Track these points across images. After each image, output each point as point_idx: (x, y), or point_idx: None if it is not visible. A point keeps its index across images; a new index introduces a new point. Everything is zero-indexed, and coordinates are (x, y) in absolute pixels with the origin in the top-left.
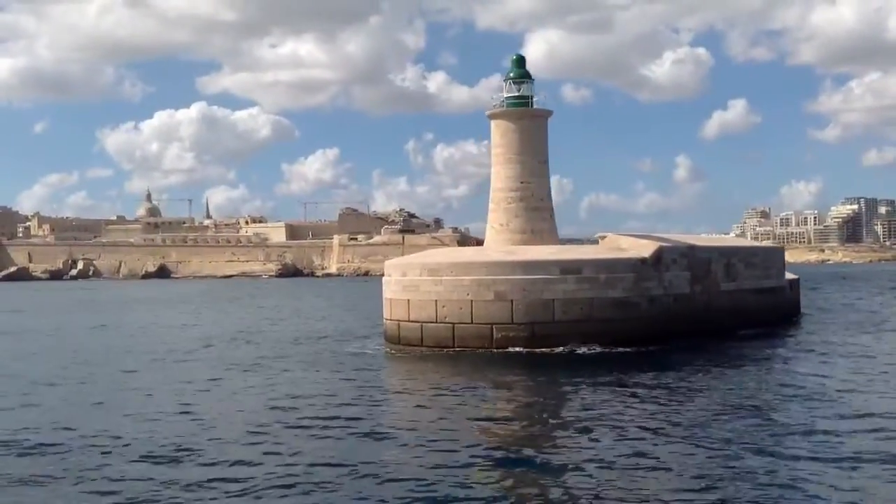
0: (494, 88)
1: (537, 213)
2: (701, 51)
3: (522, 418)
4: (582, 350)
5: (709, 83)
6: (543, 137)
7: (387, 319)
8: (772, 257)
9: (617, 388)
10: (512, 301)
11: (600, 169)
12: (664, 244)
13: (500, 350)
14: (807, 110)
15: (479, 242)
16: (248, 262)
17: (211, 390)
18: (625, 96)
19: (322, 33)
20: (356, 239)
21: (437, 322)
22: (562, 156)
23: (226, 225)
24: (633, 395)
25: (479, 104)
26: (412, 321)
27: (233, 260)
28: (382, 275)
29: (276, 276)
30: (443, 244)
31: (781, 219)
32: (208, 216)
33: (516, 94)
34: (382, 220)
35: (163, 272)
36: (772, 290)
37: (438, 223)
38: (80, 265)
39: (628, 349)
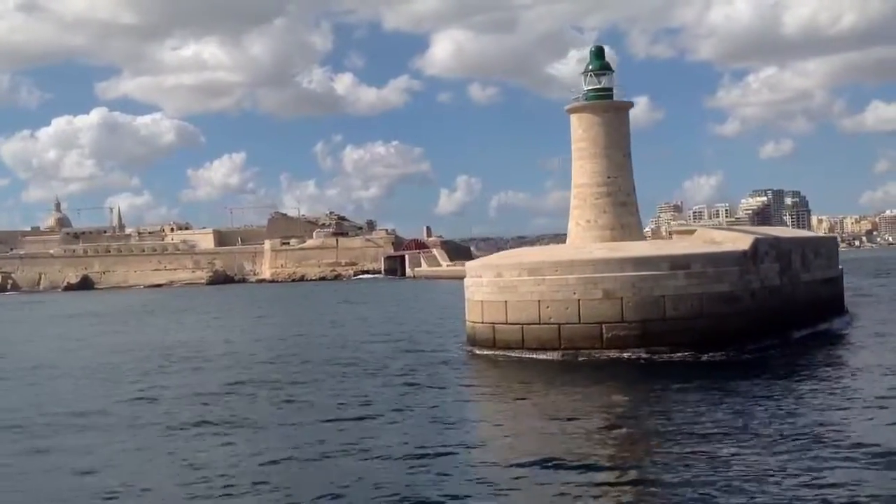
0: (399, 89)
1: (625, 209)
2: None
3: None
4: (706, 356)
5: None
6: (627, 130)
7: (475, 322)
8: (831, 247)
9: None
10: (622, 299)
11: (509, 168)
12: (759, 236)
13: (612, 350)
14: (707, 105)
15: (420, 244)
16: (175, 270)
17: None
18: (531, 95)
19: (226, 36)
20: (288, 243)
21: (540, 323)
22: (470, 155)
23: (150, 233)
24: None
25: (387, 105)
26: (510, 323)
27: (159, 268)
28: (320, 279)
29: (208, 284)
30: (377, 246)
31: (694, 212)
32: (120, 225)
33: (597, 86)
34: (313, 224)
35: (86, 283)
36: (833, 280)
37: (371, 225)
38: None
39: (750, 355)
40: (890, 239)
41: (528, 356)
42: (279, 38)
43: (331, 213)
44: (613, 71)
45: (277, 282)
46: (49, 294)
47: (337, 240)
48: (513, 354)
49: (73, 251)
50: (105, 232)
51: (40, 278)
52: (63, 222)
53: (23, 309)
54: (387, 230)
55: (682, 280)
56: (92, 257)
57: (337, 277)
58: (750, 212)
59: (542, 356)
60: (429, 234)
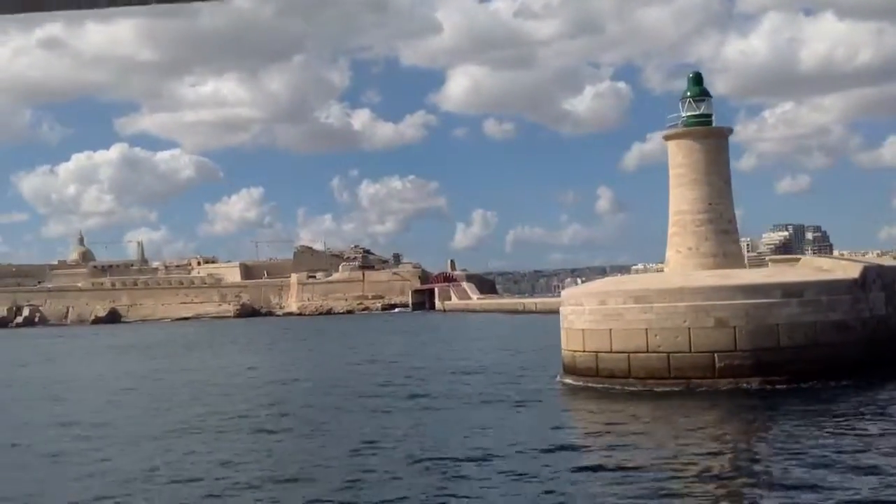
0: (416, 124)
1: (727, 236)
2: (621, 84)
3: None
4: (829, 384)
5: (628, 116)
6: (727, 157)
7: (574, 351)
8: None
9: None
10: (735, 327)
11: (524, 202)
12: (866, 264)
13: (725, 380)
14: None
15: (448, 277)
16: (202, 303)
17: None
18: (547, 130)
19: (244, 72)
20: (314, 277)
21: (647, 352)
22: (486, 189)
23: (176, 266)
24: None
25: (403, 140)
26: (615, 352)
27: (186, 302)
28: (347, 312)
29: (235, 317)
30: (404, 279)
31: None
32: (143, 259)
33: (696, 112)
34: (338, 258)
35: (113, 316)
36: None
37: (398, 258)
38: (26, 312)
39: (869, 385)
40: None
41: (633, 388)
42: (297, 75)
43: (356, 246)
44: (711, 97)
45: (304, 315)
46: (78, 327)
47: (363, 273)
48: (617, 384)
49: (101, 284)
50: (132, 265)
51: (68, 311)
52: (87, 256)
53: (69, 342)
54: (412, 264)
55: (795, 308)
56: (119, 290)
57: (365, 310)
58: (772, 246)
59: (652, 387)
60: (453, 268)
